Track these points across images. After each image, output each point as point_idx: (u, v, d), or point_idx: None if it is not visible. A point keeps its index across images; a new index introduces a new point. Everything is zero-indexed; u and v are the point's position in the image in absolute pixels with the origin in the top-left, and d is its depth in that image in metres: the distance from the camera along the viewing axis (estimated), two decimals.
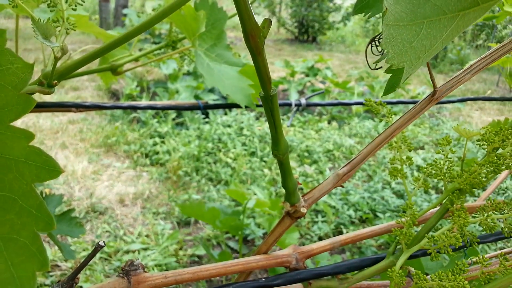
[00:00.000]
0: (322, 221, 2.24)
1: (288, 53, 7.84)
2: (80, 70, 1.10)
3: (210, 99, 3.59)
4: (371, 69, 0.54)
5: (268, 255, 0.56)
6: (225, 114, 3.58)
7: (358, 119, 3.92)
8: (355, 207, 2.33)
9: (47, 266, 0.24)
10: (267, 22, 0.40)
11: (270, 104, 0.44)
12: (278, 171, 2.72)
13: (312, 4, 9.42)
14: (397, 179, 0.57)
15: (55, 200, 0.91)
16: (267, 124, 3.46)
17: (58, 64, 0.50)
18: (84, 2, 0.57)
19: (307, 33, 9.68)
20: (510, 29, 8.34)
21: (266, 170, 2.70)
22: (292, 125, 3.48)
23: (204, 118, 3.46)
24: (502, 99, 1.37)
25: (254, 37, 0.39)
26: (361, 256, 1.92)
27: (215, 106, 1.22)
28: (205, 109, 1.16)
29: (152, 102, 1.14)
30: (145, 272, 0.45)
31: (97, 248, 0.50)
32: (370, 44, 0.53)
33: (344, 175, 0.55)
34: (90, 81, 4.69)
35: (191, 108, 1.15)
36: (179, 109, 1.16)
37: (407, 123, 0.55)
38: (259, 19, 0.38)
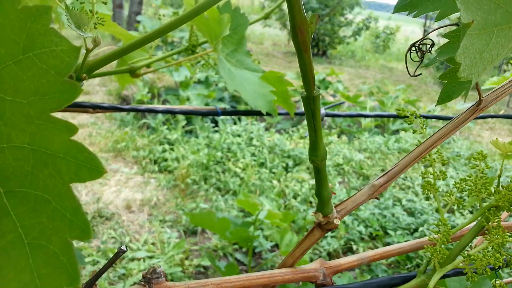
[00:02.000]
0: (332, 236, 2.19)
1: (298, 66, 7.82)
2: (100, 71, 1.08)
3: (221, 107, 3.58)
4: (410, 75, 0.51)
5: (294, 268, 0.53)
6: (235, 123, 3.56)
7: (368, 134, 3.88)
8: (365, 223, 2.28)
9: (77, 282, 0.21)
10: (315, 18, 0.37)
11: (312, 106, 0.41)
12: (287, 183, 2.69)
13: (324, 18, 9.45)
14: (430, 193, 0.54)
15: None
16: (277, 135, 3.44)
17: (89, 57, 0.48)
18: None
19: (317, 46, 9.70)
20: None
21: (275, 182, 2.66)
22: (301, 137, 3.45)
23: (213, 127, 3.44)
24: None
25: (302, 32, 0.36)
26: (371, 274, 1.86)
27: (233, 113, 1.19)
28: (223, 115, 1.13)
29: (169, 106, 1.12)
30: (167, 281, 0.43)
31: (119, 252, 0.47)
32: (410, 50, 0.51)
33: (381, 186, 0.51)
34: (101, 86, 4.70)
35: (209, 113, 1.13)
36: (197, 114, 1.14)
37: (449, 134, 0.52)
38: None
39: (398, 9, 0.49)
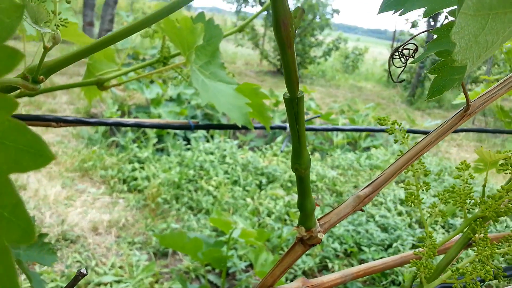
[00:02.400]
0: (307, 254, 2.15)
1: (270, 85, 7.90)
2: (66, 83, 1.02)
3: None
4: (394, 81, 0.49)
5: None
6: (207, 141, 3.50)
7: (340, 151, 3.91)
8: (340, 240, 2.26)
9: (33, 236, 0.16)
10: (299, 12, 0.34)
11: (295, 108, 0.38)
12: (261, 200, 2.64)
13: (295, 38, 9.61)
14: (413, 205, 0.51)
15: None
16: (250, 152, 3.41)
17: (47, 57, 0.43)
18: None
19: None
20: (483, 70, 8.67)
21: (248, 200, 2.61)
22: (275, 155, 3.43)
23: (186, 145, 3.37)
24: (494, 131, 1.36)
25: (286, 25, 0.33)
26: None
27: (207, 126, 1.15)
28: (196, 128, 1.09)
29: (139, 120, 1.07)
30: None
31: (79, 276, 0.41)
32: (393, 55, 0.48)
33: (366, 197, 0.48)
34: (69, 104, 4.56)
35: (181, 127, 1.08)
36: (169, 128, 1.09)
37: (436, 140, 0.50)
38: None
39: (384, 8, 0.46)
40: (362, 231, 2.34)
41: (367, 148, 4.31)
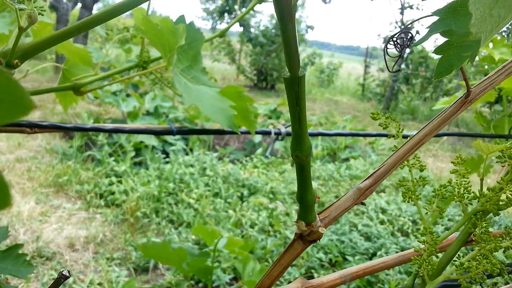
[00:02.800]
0: (292, 265, 2.12)
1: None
2: (41, 88, 0.96)
3: (172, 138, 3.47)
4: (390, 71, 0.47)
5: None
6: (187, 154, 3.45)
7: (320, 162, 3.91)
8: (324, 250, 2.23)
9: (8, 201, 0.13)
10: None
11: (296, 89, 0.35)
12: (243, 212, 2.60)
13: (271, 53, 9.70)
14: (410, 200, 0.49)
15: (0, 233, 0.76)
16: (230, 165, 3.37)
17: (23, 39, 0.39)
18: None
19: (266, 80, 9.89)
20: (455, 83, 8.94)
21: (230, 212, 2.56)
22: (255, 167, 3.40)
23: (164, 158, 3.31)
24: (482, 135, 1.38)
25: None
26: None
27: (190, 132, 1.12)
28: (178, 134, 1.06)
29: (119, 125, 1.03)
30: None
31: (61, 278, 0.37)
32: (387, 44, 0.47)
33: (367, 189, 0.46)
34: (43, 119, 4.43)
35: (163, 132, 1.05)
36: (150, 133, 1.05)
37: (438, 128, 0.48)
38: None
39: None
40: (346, 240, 2.33)
41: (346, 159, 4.34)
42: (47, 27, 0.80)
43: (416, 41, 0.43)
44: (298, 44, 0.34)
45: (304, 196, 0.43)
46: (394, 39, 0.47)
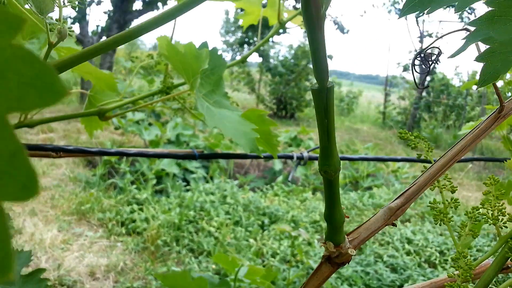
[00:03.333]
0: None
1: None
2: (66, 114, 0.98)
3: (192, 166, 3.49)
4: (418, 87, 0.46)
5: None
6: (207, 182, 3.45)
7: (342, 191, 3.85)
8: (349, 281, 2.16)
9: (9, 266, 0.12)
10: None
11: (324, 100, 0.34)
12: (264, 241, 2.55)
13: (290, 83, 9.79)
14: (442, 224, 0.47)
15: (22, 257, 0.76)
16: (251, 193, 3.35)
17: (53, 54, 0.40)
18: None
19: (285, 109, 9.93)
20: (478, 111, 8.79)
21: (251, 240, 2.52)
22: (276, 195, 3.36)
23: (185, 186, 3.31)
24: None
25: (317, 4, 0.30)
26: None
27: (212, 156, 1.12)
28: (201, 158, 1.06)
29: (143, 149, 1.03)
30: None
31: None
32: (415, 60, 0.46)
33: (398, 209, 0.44)
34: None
35: (186, 157, 1.05)
36: (172, 157, 1.06)
37: (472, 143, 0.46)
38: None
39: (407, 10, 0.44)
40: (371, 271, 2.25)
41: (369, 188, 4.26)
42: (73, 52, 0.82)
43: (453, 53, 0.42)
44: (327, 55, 0.33)
45: (333, 214, 0.42)
46: (422, 54, 0.45)
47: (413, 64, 0.46)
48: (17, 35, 0.13)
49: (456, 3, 0.41)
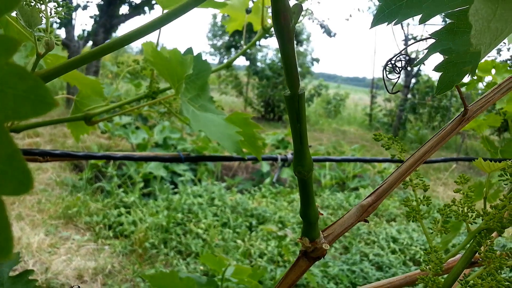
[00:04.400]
0: None
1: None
2: (52, 118, 0.99)
3: (180, 169, 3.50)
4: (389, 92, 0.49)
5: None
6: (195, 184, 3.46)
7: (329, 191, 3.90)
8: (335, 280, 2.20)
9: (8, 251, 0.15)
10: (298, 7, 0.34)
11: (296, 106, 0.37)
12: (252, 242, 2.58)
13: (278, 86, 9.84)
14: (415, 220, 0.50)
15: (10, 259, 0.77)
16: (238, 195, 3.37)
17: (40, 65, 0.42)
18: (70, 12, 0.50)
19: (273, 112, 9.98)
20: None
21: (239, 241, 2.55)
22: (263, 196, 3.39)
23: (173, 188, 3.32)
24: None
25: (286, 17, 0.33)
26: None
27: (198, 158, 1.14)
28: (187, 161, 1.08)
29: (129, 153, 1.05)
30: None
31: None
32: (386, 67, 0.49)
33: (369, 206, 0.47)
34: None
35: (172, 159, 1.07)
36: (158, 160, 1.07)
37: (437, 145, 0.49)
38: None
39: (376, 21, 0.47)
40: (357, 270, 2.29)
41: (355, 189, 4.31)
42: (61, 60, 0.84)
43: (416, 61, 0.46)
44: (297, 64, 0.36)
45: (307, 212, 0.44)
46: (392, 61, 0.49)
47: (384, 70, 0.49)
48: (13, 55, 0.15)
49: (420, 15, 0.45)
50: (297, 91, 0.36)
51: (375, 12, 0.48)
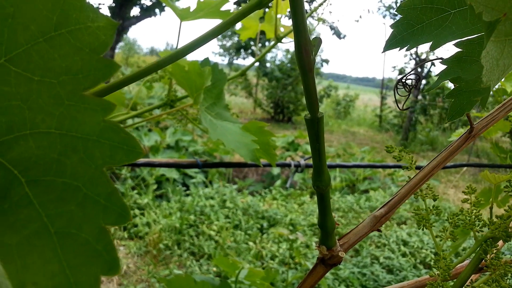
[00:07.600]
0: None
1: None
2: None
3: (191, 171, 3.55)
4: (400, 109, 0.53)
5: None
6: (206, 186, 3.51)
7: (340, 194, 3.92)
8: (346, 283, 2.22)
9: (116, 269, 0.19)
10: (318, 41, 0.38)
11: (316, 128, 0.41)
12: (264, 244, 2.62)
13: (287, 87, 9.86)
14: (424, 228, 0.53)
15: None
16: (250, 197, 3.41)
17: None
18: None
19: (282, 113, 10.00)
20: (473, 113, 8.88)
21: (251, 243, 2.59)
22: (274, 198, 3.43)
23: (185, 190, 3.38)
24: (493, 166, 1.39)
25: (307, 51, 0.37)
26: None
27: (215, 165, 1.18)
28: (204, 167, 1.12)
29: (149, 160, 1.10)
30: None
31: None
32: (397, 85, 0.52)
33: (382, 217, 0.51)
34: None
35: (190, 166, 1.11)
36: (178, 167, 1.12)
37: (445, 161, 0.53)
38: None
39: (389, 46, 0.51)
40: (367, 273, 2.31)
41: (365, 191, 4.33)
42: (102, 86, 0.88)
43: (428, 87, 0.49)
44: (316, 90, 0.40)
45: (325, 223, 0.48)
46: (403, 80, 0.52)
47: (396, 88, 0.52)
48: (110, 115, 0.19)
49: (431, 42, 0.48)
50: (316, 115, 0.40)
51: (388, 37, 0.52)
